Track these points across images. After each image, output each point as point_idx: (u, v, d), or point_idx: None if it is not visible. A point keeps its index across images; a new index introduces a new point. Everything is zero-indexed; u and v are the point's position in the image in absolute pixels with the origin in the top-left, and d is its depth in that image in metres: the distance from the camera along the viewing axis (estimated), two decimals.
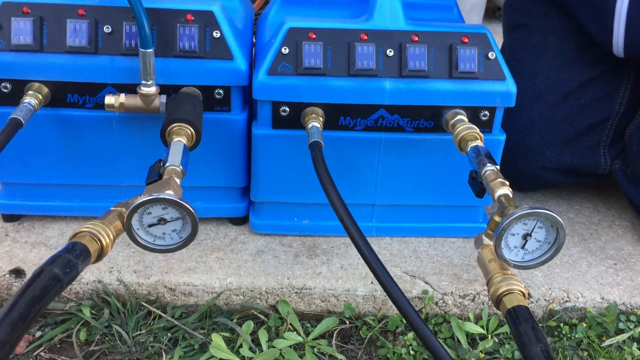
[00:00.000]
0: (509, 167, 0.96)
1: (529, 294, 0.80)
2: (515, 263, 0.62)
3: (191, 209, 0.59)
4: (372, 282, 0.80)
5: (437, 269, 0.83)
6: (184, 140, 0.70)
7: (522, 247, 0.61)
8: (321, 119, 0.78)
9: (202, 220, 0.89)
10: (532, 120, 0.95)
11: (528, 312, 0.56)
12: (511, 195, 0.65)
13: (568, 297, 0.80)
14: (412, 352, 0.75)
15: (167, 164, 0.65)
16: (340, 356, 0.76)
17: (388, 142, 0.82)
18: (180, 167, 0.65)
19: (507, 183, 0.66)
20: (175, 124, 0.71)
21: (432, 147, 0.82)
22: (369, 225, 0.88)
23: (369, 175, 0.84)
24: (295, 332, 0.77)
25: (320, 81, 0.77)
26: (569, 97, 0.95)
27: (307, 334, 0.77)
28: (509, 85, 0.80)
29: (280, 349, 0.74)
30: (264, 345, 0.75)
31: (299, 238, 0.88)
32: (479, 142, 0.73)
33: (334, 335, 0.78)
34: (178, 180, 0.64)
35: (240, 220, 0.90)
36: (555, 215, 0.59)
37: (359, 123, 0.80)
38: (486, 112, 0.80)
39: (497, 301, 0.59)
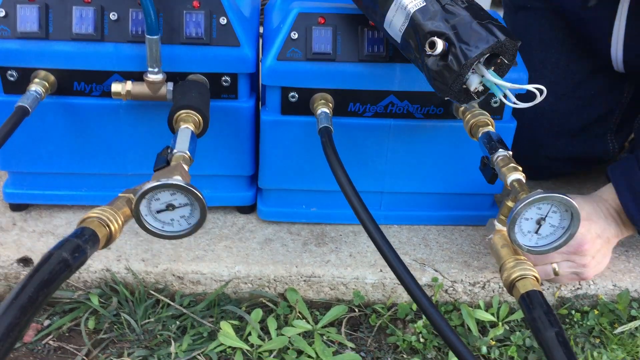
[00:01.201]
0: (518, 156, 0.95)
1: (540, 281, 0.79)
2: (528, 248, 0.61)
3: (200, 194, 0.58)
4: (381, 270, 0.79)
5: (446, 256, 0.82)
6: (191, 127, 0.70)
7: (536, 232, 0.60)
8: (330, 104, 0.77)
9: (209, 209, 0.88)
10: (542, 111, 0.94)
11: (542, 297, 0.55)
12: (524, 181, 0.64)
13: (579, 284, 0.79)
14: (422, 340, 0.75)
15: (175, 151, 0.65)
16: (349, 344, 0.75)
17: (398, 129, 0.81)
18: (188, 153, 0.65)
19: (520, 168, 0.65)
20: (182, 111, 0.71)
21: (442, 133, 0.81)
22: (378, 213, 0.87)
23: (378, 163, 0.83)
24: (304, 320, 0.76)
25: (329, 66, 0.76)
26: (578, 88, 0.93)
27: (316, 322, 0.77)
28: (521, 72, 0.79)
29: (289, 337, 0.74)
30: (273, 333, 0.74)
31: (307, 226, 0.87)
32: (490, 128, 0.72)
33: (343, 323, 0.78)
34: (186, 167, 0.63)
35: (248, 209, 0.89)
36: (570, 199, 0.58)
37: (368, 109, 0.80)
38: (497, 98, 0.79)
39: (510, 286, 0.58)
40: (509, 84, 0.61)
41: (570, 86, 0.93)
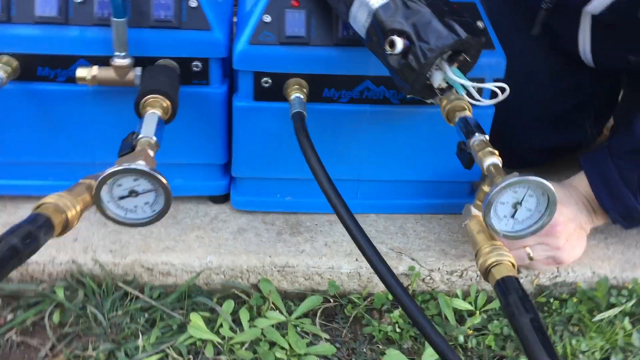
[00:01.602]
0: (498, 147, 0.94)
1: (518, 270, 0.78)
2: (505, 233, 0.59)
3: (164, 180, 0.56)
4: (357, 259, 0.77)
5: (424, 245, 0.81)
6: (158, 112, 0.67)
7: (512, 217, 0.59)
8: (305, 90, 0.75)
9: (181, 199, 0.86)
10: (522, 100, 0.92)
11: (518, 283, 0.54)
12: (500, 165, 0.62)
13: (558, 271, 0.78)
14: (398, 330, 0.73)
15: (140, 136, 0.62)
16: (324, 335, 0.73)
17: (374, 115, 0.79)
18: (154, 138, 0.62)
19: (497, 152, 0.63)
20: (149, 96, 0.68)
21: (419, 120, 0.80)
22: (354, 201, 0.85)
23: (353, 150, 0.81)
24: (277, 311, 0.74)
25: (303, 51, 0.74)
26: (557, 77, 0.92)
27: (290, 313, 0.75)
28: (499, 56, 0.77)
29: (262, 329, 0.71)
30: (245, 325, 0.72)
31: (282, 216, 0.85)
32: (467, 113, 0.70)
33: (318, 314, 0.76)
34: (151, 152, 0.61)
35: (221, 199, 0.87)
36: (546, 183, 0.56)
37: (343, 95, 0.77)
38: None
39: (486, 272, 0.56)
40: (470, 83, 0.60)
41: (548, 76, 0.92)
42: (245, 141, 0.80)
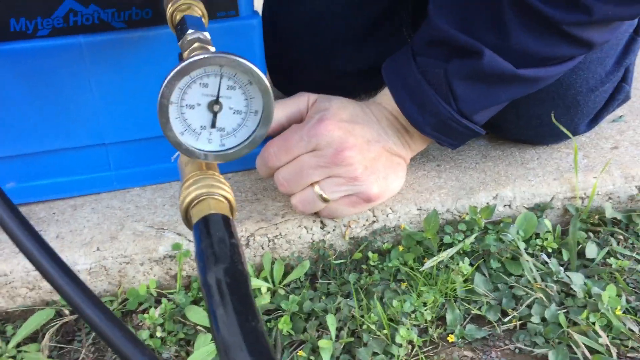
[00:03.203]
0: (301, 74, 0.75)
1: (322, 223, 0.58)
2: (213, 154, 0.39)
3: None
4: (98, 249, 0.55)
5: None
6: None
7: (215, 127, 0.39)
8: None
9: None
10: (317, 13, 0.74)
11: (225, 222, 0.34)
12: None
13: (374, 215, 0.59)
14: (159, 335, 0.52)
15: None
16: None
17: (94, 49, 0.57)
18: None
19: (212, 49, 0.43)
20: None
21: (157, 47, 0.59)
22: (108, 174, 0.63)
23: (83, 103, 0.59)
24: None
25: None
26: None
27: (9, 341, 0.52)
28: None
29: None
30: None
31: None
32: (192, 12, 0.50)
33: (48, 335, 0.53)
34: None
35: None
36: (245, 61, 0.36)
37: (41, 25, 0.56)
38: None
39: (187, 216, 0.36)
40: None
41: None
42: None
